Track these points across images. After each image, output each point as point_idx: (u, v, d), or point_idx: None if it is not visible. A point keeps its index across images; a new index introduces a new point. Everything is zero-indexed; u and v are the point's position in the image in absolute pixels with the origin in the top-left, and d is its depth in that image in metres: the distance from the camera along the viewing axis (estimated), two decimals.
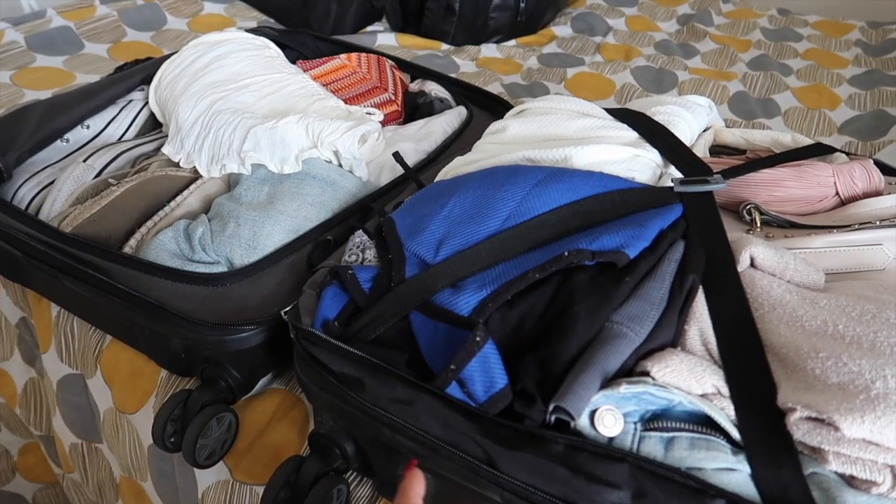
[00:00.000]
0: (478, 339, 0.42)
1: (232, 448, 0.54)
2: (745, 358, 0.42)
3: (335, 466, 0.47)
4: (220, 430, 0.53)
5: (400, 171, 0.70)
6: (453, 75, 0.92)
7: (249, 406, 0.56)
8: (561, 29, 1.32)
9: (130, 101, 0.76)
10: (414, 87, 0.88)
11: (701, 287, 0.46)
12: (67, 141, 0.71)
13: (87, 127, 0.73)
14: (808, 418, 0.36)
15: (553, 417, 0.40)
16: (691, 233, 0.50)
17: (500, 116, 0.72)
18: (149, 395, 0.59)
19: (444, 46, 1.24)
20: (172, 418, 0.52)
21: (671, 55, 1.24)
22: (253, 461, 0.54)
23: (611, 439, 0.39)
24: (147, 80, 0.77)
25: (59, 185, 0.64)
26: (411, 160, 0.72)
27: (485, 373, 0.42)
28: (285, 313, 0.51)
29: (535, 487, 0.38)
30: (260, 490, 0.53)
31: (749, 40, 1.31)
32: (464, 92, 0.89)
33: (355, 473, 0.51)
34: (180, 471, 0.57)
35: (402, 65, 0.92)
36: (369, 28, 1.28)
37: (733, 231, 0.51)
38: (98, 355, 0.62)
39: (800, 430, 0.36)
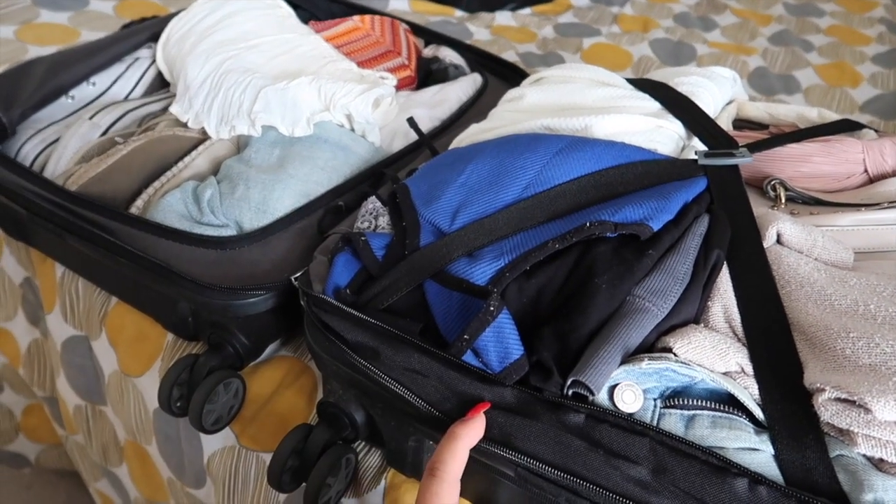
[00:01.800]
0: (492, 308, 0.41)
1: (238, 414, 0.54)
2: (771, 336, 0.40)
3: (344, 436, 0.47)
4: (227, 395, 0.52)
5: (413, 138, 0.69)
6: (467, 43, 0.90)
7: (257, 372, 0.55)
8: None
9: (137, 58, 0.74)
10: (428, 52, 0.86)
11: (725, 262, 0.45)
12: (73, 98, 0.69)
13: (93, 84, 0.71)
14: (838, 399, 0.35)
15: (570, 392, 0.39)
16: (716, 207, 0.49)
17: (516, 85, 0.70)
18: (154, 359, 0.58)
19: (458, 13, 1.21)
20: (179, 382, 0.51)
21: (690, 28, 1.21)
22: (259, 428, 0.53)
23: (630, 416, 0.38)
24: (155, 38, 0.75)
25: (65, 143, 0.63)
26: (425, 127, 0.70)
27: (499, 343, 0.40)
28: (295, 279, 0.49)
29: (549, 461, 0.37)
30: (266, 457, 0.52)
31: (770, 15, 1.27)
32: (479, 59, 0.86)
33: (364, 443, 0.50)
34: (186, 435, 0.57)
35: (415, 29, 0.90)
36: None
37: (757, 207, 0.50)
38: (103, 317, 0.61)
39: (828, 411, 0.35)
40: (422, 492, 0.35)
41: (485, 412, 0.38)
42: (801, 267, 0.43)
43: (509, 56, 1.07)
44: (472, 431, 0.37)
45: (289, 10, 0.80)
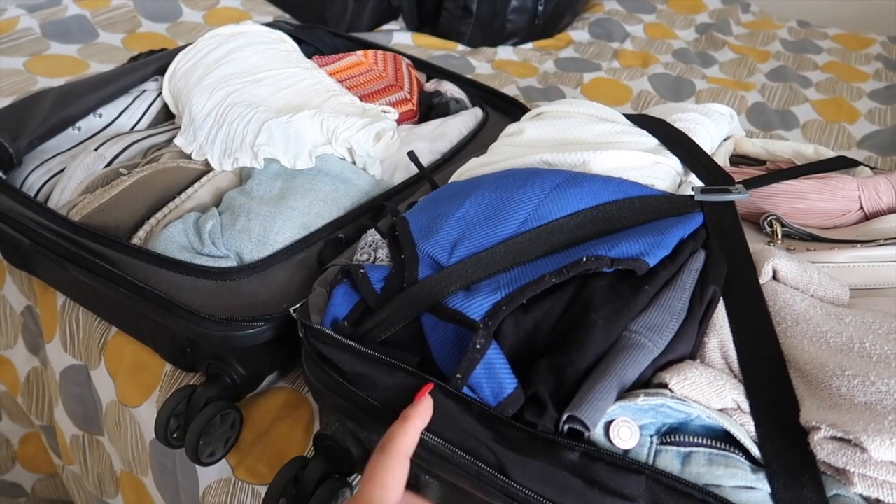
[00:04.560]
0: (478, 346, 0.41)
1: (235, 446, 0.53)
2: (767, 373, 0.40)
3: (340, 469, 0.46)
4: (223, 427, 0.52)
5: (413, 170, 0.69)
6: (469, 77, 0.91)
7: (254, 404, 0.55)
8: (578, 34, 1.31)
9: (144, 91, 0.76)
10: (430, 86, 0.87)
11: (722, 299, 0.45)
12: (79, 129, 0.70)
13: (100, 116, 0.72)
14: (833, 438, 0.35)
15: (566, 427, 0.39)
16: (712, 243, 0.49)
17: (516, 119, 0.71)
18: (152, 389, 0.58)
19: (460, 47, 1.24)
20: (176, 413, 0.51)
21: (689, 63, 1.22)
22: (256, 460, 0.53)
23: (626, 452, 0.38)
24: (161, 71, 0.76)
25: (70, 174, 0.64)
26: (426, 160, 0.71)
27: (491, 378, 0.40)
28: (294, 311, 0.50)
29: (547, 497, 0.36)
30: (262, 490, 0.52)
31: (768, 51, 1.30)
32: (479, 93, 0.88)
33: (360, 477, 0.50)
34: (182, 467, 0.56)
35: (418, 64, 0.91)
36: (385, 26, 1.28)
37: (753, 243, 0.50)
38: (103, 347, 0.61)
39: (824, 450, 0.35)
40: (370, 466, 0.36)
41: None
42: (796, 304, 0.44)
43: (511, 90, 1.08)
44: (421, 413, 0.38)
45: (293, 45, 0.82)
